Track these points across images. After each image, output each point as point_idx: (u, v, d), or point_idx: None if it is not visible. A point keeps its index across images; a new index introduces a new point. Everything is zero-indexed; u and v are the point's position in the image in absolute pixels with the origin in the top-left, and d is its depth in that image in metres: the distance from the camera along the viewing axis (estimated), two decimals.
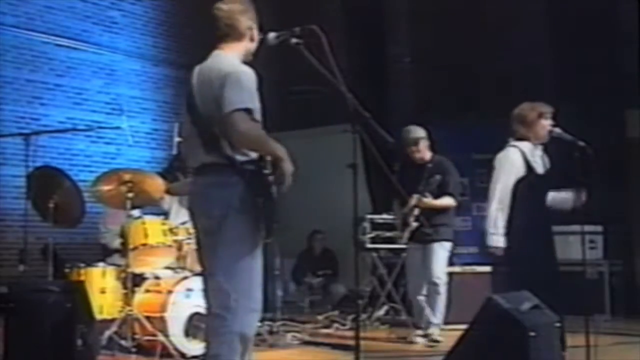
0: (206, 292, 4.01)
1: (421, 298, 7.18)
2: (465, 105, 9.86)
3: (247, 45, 4.07)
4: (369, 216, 8.79)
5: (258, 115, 3.87)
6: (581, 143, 5.42)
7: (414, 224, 7.09)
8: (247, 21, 4.03)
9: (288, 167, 3.80)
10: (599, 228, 8.83)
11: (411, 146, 7.21)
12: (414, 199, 7.09)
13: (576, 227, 7.28)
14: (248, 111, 3.78)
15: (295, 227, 9.78)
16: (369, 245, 8.62)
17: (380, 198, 9.95)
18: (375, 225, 8.70)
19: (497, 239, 5.48)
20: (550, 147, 5.71)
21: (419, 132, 7.27)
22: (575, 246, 7.42)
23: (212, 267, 3.90)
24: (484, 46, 10.17)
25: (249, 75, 3.86)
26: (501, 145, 5.66)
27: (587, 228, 7.91)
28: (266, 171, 3.87)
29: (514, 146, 5.58)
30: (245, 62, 4.04)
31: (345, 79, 3.94)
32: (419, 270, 7.20)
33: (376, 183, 9.86)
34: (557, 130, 5.55)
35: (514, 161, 5.53)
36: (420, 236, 7.12)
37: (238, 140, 3.79)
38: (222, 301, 3.82)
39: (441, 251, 7.16)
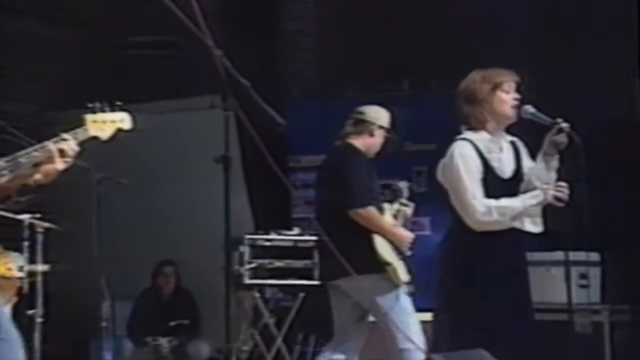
0: None
1: None
2: (396, 72, 9.95)
3: None
4: (249, 236, 8.83)
5: None
6: (565, 126, 5.56)
7: None
8: None
9: None
10: (595, 256, 8.97)
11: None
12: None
13: (559, 255, 7.48)
14: None
15: (133, 255, 9.76)
16: (249, 281, 8.66)
17: (265, 208, 10.02)
18: (258, 251, 8.75)
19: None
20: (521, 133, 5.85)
21: None
22: (559, 283, 7.61)
23: None
24: None
25: None
26: (451, 134, 5.75)
27: (576, 256, 8.09)
28: None
29: (464, 139, 5.64)
30: None
31: (214, 31, 3.99)
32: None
33: (260, 185, 9.90)
34: (529, 108, 5.64)
35: (468, 158, 5.59)
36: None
37: None
38: None
39: None
